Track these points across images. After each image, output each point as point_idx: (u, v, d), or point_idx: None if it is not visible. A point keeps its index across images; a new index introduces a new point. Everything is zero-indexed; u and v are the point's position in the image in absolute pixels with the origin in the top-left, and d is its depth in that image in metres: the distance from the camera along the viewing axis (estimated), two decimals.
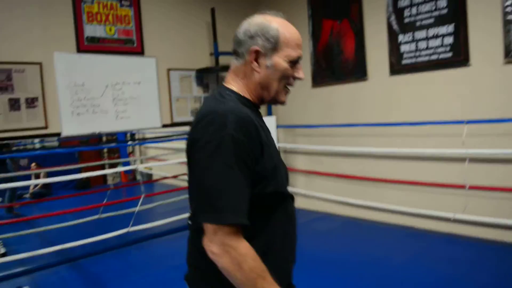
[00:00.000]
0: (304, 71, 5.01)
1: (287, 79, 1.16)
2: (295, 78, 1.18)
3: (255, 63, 1.14)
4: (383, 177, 4.35)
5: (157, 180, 7.75)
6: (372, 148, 4.32)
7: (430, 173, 3.96)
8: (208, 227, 0.99)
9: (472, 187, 3.60)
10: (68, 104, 3.81)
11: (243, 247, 0.99)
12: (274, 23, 1.14)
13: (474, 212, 3.62)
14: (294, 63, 1.15)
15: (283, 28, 1.14)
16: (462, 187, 3.65)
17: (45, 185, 7.42)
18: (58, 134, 3.83)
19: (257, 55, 1.13)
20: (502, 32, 3.41)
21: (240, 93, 1.17)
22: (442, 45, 3.80)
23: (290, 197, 1.21)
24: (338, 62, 4.69)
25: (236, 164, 0.98)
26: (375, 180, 4.41)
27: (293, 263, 1.22)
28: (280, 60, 1.13)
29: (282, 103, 1.20)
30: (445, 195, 3.85)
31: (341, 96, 4.66)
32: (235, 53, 1.18)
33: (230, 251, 0.97)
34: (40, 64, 3.68)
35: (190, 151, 1.07)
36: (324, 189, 4.93)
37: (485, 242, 3.55)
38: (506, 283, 2.81)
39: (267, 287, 0.99)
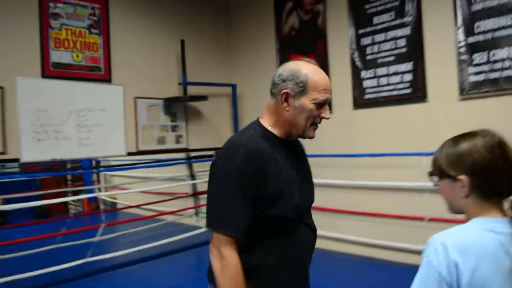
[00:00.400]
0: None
1: (313, 118, 1.32)
2: (321, 118, 1.34)
3: (285, 103, 1.31)
4: (344, 208, 4.40)
5: (120, 209, 7.56)
6: (334, 180, 4.39)
7: (391, 204, 4.04)
8: (214, 235, 1.23)
9: (432, 219, 3.69)
10: (29, 129, 3.71)
11: (232, 258, 1.21)
12: (305, 69, 1.30)
13: None
14: (321, 105, 1.31)
15: (312, 74, 1.30)
16: (422, 219, 3.74)
17: (2, 213, 7.08)
18: (17, 160, 3.71)
19: (287, 96, 1.30)
20: (456, 71, 3.61)
21: (269, 128, 1.36)
22: (401, 82, 3.98)
23: (305, 225, 1.36)
24: None
25: (240, 191, 1.21)
26: (336, 211, 4.46)
27: (296, 285, 1.35)
28: (307, 102, 1.29)
29: (311, 138, 1.37)
30: (406, 226, 3.93)
31: None
32: (271, 93, 1.37)
33: (221, 257, 1.21)
34: (1, 88, 3.60)
35: (210, 172, 1.30)
36: None
37: None
38: None
39: None
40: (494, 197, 1.02)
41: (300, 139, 1.50)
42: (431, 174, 1.11)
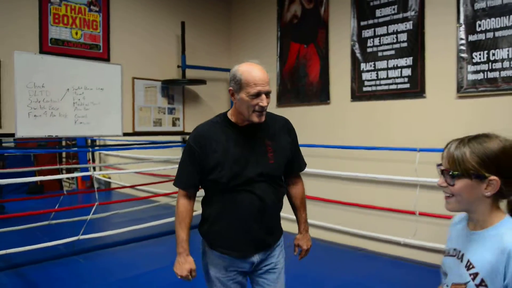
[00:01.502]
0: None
1: (253, 107, 1.68)
2: (259, 106, 1.67)
3: (232, 97, 1.75)
4: (337, 198, 4.44)
5: (114, 188, 7.58)
6: (328, 170, 4.42)
7: (383, 197, 4.08)
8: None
9: (421, 214, 3.74)
10: (25, 104, 3.70)
11: (181, 202, 1.82)
12: (240, 70, 1.70)
13: (422, 238, 3.75)
14: (255, 96, 1.66)
15: (245, 73, 1.68)
16: (412, 213, 3.78)
17: None
18: (12, 135, 3.71)
19: (232, 92, 1.74)
20: (455, 68, 3.61)
21: (228, 115, 1.81)
22: (400, 76, 3.98)
23: (248, 191, 1.72)
24: (303, 85, 4.81)
25: (188, 160, 1.78)
26: (328, 201, 4.50)
27: (238, 238, 1.77)
28: (244, 96, 1.68)
29: (257, 122, 1.71)
30: (397, 219, 3.98)
31: (304, 118, 4.76)
32: None
33: (178, 200, 1.83)
34: None
35: None
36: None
37: (431, 266, 3.67)
38: None
39: (177, 226, 1.82)
40: (506, 196, 1.09)
41: (283, 121, 1.90)
42: (453, 173, 1.10)
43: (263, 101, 1.66)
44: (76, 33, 4.03)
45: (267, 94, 1.69)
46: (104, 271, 3.70)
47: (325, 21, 4.57)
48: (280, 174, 1.86)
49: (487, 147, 1.06)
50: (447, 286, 1.17)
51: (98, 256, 4.13)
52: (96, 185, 4.77)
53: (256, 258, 1.81)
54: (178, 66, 4.89)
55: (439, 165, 1.17)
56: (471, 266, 1.08)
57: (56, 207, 4.49)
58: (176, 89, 4.94)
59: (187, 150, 1.78)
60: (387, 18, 4.05)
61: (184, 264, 1.79)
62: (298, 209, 2.02)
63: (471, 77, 3.54)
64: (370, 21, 4.17)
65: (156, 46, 4.76)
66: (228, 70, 5.31)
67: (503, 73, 3.37)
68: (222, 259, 1.79)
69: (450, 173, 1.10)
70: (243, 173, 1.71)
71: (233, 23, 5.58)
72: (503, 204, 1.11)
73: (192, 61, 4.90)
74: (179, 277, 1.81)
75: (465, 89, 3.57)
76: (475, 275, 1.06)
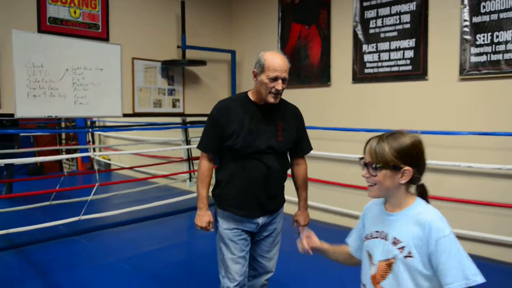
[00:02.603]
0: None
1: (269, 89, 1.97)
2: (275, 89, 1.96)
3: (254, 79, 2.05)
4: (337, 180, 4.45)
5: (114, 169, 7.60)
6: (329, 152, 4.42)
7: None
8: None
9: None
10: (24, 84, 3.67)
11: (203, 164, 2.10)
12: (265, 56, 2.00)
13: None
14: (273, 80, 1.95)
15: (269, 59, 1.97)
16: None
17: None
18: (11, 115, 3.69)
19: (255, 74, 2.04)
20: (458, 50, 3.58)
21: (248, 94, 2.10)
22: (402, 58, 3.95)
23: (257, 160, 2.00)
24: (304, 66, 4.77)
25: (210, 127, 2.07)
26: (331, 183, 4.51)
27: (245, 199, 2.04)
28: (264, 78, 1.97)
29: (271, 103, 2.01)
30: None
31: (305, 100, 4.73)
32: None
33: (200, 162, 2.12)
34: None
35: None
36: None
37: None
38: None
39: (198, 185, 2.10)
40: (415, 182, 1.31)
41: (294, 109, 2.20)
42: (375, 166, 1.28)
43: (278, 85, 1.95)
44: (75, 12, 3.97)
45: (284, 80, 1.97)
46: (105, 251, 3.73)
47: (327, 1, 4.50)
48: (285, 151, 2.14)
49: (402, 142, 1.27)
50: (373, 264, 1.32)
51: (98, 236, 4.16)
52: (96, 167, 4.78)
53: (261, 220, 2.07)
54: (178, 47, 4.84)
55: (361, 158, 1.36)
56: (397, 242, 1.26)
57: (57, 187, 4.50)
58: (176, 70, 4.90)
59: (210, 119, 2.06)
60: None
61: (204, 217, 2.07)
62: (299, 188, 2.26)
63: (474, 59, 3.51)
64: (373, 2, 4.11)
65: (156, 26, 4.69)
66: (228, 51, 5.27)
67: (507, 56, 3.34)
68: (232, 218, 2.06)
69: (373, 165, 1.29)
70: (254, 144, 1.99)
71: (234, 2, 5.50)
72: (412, 188, 1.33)
73: (192, 42, 4.84)
74: (199, 228, 2.08)
75: (467, 72, 3.54)
76: (402, 248, 1.25)
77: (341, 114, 4.42)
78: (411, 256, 1.23)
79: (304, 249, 1.54)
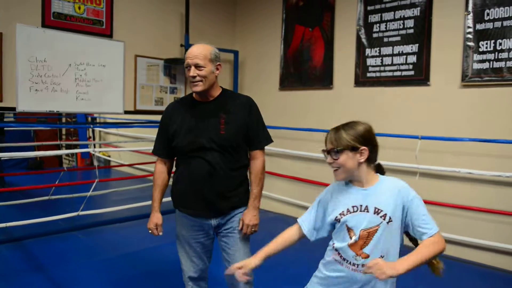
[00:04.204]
0: (273, 74, 5.07)
1: (187, 78, 1.98)
2: (189, 75, 1.94)
3: None
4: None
5: (114, 166, 7.60)
6: None
7: None
8: None
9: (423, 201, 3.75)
10: (26, 78, 3.67)
11: (155, 167, 2.14)
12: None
13: None
14: (187, 68, 1.95)
15: (188, 50, 1.98)
16: None
17: None
18: (13, 109, 3.69)
19: None
20: (461, 56, 3.58)
21: (193, 94, 2.07)
22: (405, 63, 3.95)
23: (200, 158, 1.94)
24: (306, 68, 4.77)
25: (159, 130, 2.11)
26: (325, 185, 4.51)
27: (191, 198, 2.02)
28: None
29: (195, 92, 1.99)
30: None
31: (307, 102, 4.74)
32: None
33: (155, 166, 2.14)
34: (0, 34, 3.53)
35: None
36: (282, 191, 5.00)
37: None
38: None
39: (153, 189, 2.16)
40: (372, 162, 1.52)
41: (244, 99, 2.09)
42: (337, 149, 1.48)
43: (190, 71, 1.92)
44: (79, 8, 3.98)
45: (197, 66, 1.92)
46: (104, 247, 3.74)
47: (332, 4, 4.51)
48: (232, 145, 1.99)
49: (356, 128, 1.49)
50: (354, 235, 1.47)
51: (97, 232, 4.17)
52: (95, 163, 4.78)
53: (214, 222, 2.02)
54: (181, 45, 4.84)
55: (323, 150, 1.54)
56: (379, 211, 1.45)
57: (57, 182, 4.51)
58: (178, 69, 4.90)
59: (160, 122, 2.11)
60: (395, 4, 3.99)
61: (152, 219, 2.12)
62: (251, 184, 2.10)
63: (476, 66, 3.51)
64: (377, 6, 4.12)
65: (160, 24, 4.70)
66: (232, 51, 5.27)
67: (509, 63, 3.35)
68: (185, 218, 2.06)
69: (335, 150, 1.49)
70: (195, 141, 1.95)
71: (238, 3, 5.51)
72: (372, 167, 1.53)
73: (195, 41, 4.82)
74: (148, 229, 2.14)
75: (469, 78, 3.54)
76: (385, 215, 1.45)
77: (343, 117, 4.38)
78: (392, 221, 1.45)
79: (241, 278, 1.53)
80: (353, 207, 1.50)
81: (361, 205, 1.49)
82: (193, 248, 2.07)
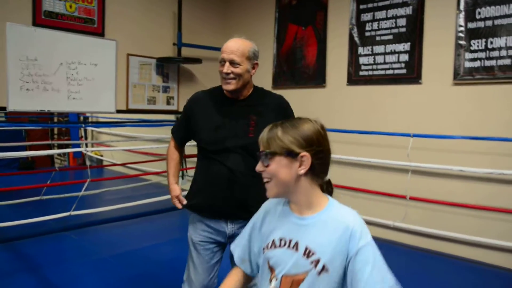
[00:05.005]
0: (266, 72, 5.06)
1: (220, 73, 1.82)
2: (222, 72, 1.79)
3: None
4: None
5: (106, 166, 7.56)
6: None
7: (375, 181, 4.11)
8: None
9: (412, 198, 3.78)
10: (17, 78, 3.63)
11: (169, 145, 2.04)
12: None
13: (412, 222, 3.80)
14: (221, 62, 1.80)
15: (225, 43, 1.84)
16: (403, 197, 3.82)
17: None
18: (3, 108, 3.65)
19: None
20: (453, 55, 3.61)
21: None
22: (397, 61, 3.97)
23: (219, 162, 1.80)
24: (299, 67, 4.77)
25: (182, 116, 1.99)
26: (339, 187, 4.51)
27: (208, 202, 1.85)
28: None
29: (226, 90, 1.82)
30: (388, 203, 4.02)
31: (299, 100, 4.74)
32: None
33: (170, 142, 2.05)
34: None
35: None
36: None
37: (419, 250, 3.73)
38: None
39: (168, 164, 2.03)
40: (320, 177, 1.12)
41: (276, 99, 1.98)
42: (267, 152, 1.11)
43: (224, 68, 1.78)
44: (70, 6, 3.94)
45: (233, 62, 1.77)
46: (96, 247, 3.71)
47: (324, 3, 4.52)
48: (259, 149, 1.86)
49: (300, 126, 1.10)
50: (276, 279, 1.08)
51: (89, 232, 4.14)
52: (88, 163, 4.75)
53: (229, 229, 1.84)
54: (174, 44, 4.82)
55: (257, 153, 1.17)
56: (311, 253, 1.04)
57: (48, 182, 4.47)
58: (171, 67, 4.88)
59: (184, 109, 1.99)
60: (387, 2, 4.01)
61: (171, 192, 2.00)
62: None
63: (468, 64, 3.54)
64: (370, 5, 4.13)
65: (152, 23, 4.67)
66: None
67: (500, 62, 3.38)
68: (198, 221, 1.90)
69: (264, 152, 1.11)
70: (219, 140, 1.80)
71: (231, 1, 5.49)
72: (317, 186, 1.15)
73: (188, 40, 4.83)
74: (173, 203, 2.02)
75: (461, 77, 3.57)
76: (317, 261, 1.03)
77: (335, 116, 4.44)
78: (326, 271, 1.03)
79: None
80: (280, 240, 1.10)
81: (290, 240, 1.08)
82: (201, 257, 1.89)
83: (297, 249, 1.06)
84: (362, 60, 4.21)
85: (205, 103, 1.88)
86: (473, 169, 3.46)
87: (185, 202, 1.95)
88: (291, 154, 1.07)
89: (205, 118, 1.85)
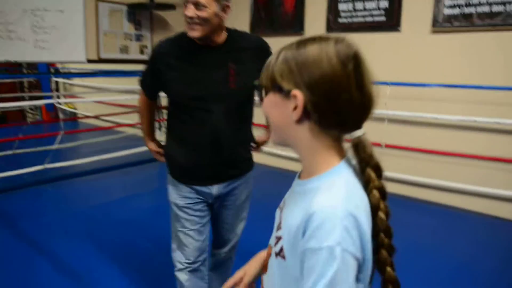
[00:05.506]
0: (243, 19, 4.90)
1: (185, 16, 1.55)
2: (185, 14, 1.53)
3: None
4: None
5: (80, 118, 7.39)
6: None
7: None
8: None
9: (388, 146, 3.84)
10: None
11: (139, 99, 1.85)
12: None
13: (388, 169, 3.88)
14: (185, 4, 1.54)
15: None
16: (379, 145, 3.87)
17: None
18: None
19: None
20: (432, 2, 3.54)
21: None
22: (377, 8, 3.88)
23: (205, 110, 1.59)
24: (277, 14, 4.63)
25: (149, 66, 1.72)
26: None
27: (196, 168, 1.67)
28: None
29: (191, 37, 1.55)
30: None
31: (277, 48, 4.63)
32: None
33: (140, 95, 1.85)
34: None
35: None
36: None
37: (395, 196, 3.83)
38: None
39: (141, 121, 1.90)
40: (335, 128, 0.75)
41: (256, 43, 1.70)
42: (255, 83, 0.83)
43: (187, 10, 1.52)
44: None
45: (196, 4, 1.50)
46: (74, 200, 3.69)
47: None
48: (243, 102, 1.67)
49: (305, 49, 0.74)
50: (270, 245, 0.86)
51: (66, 185, 4.10)
52: (61, 116, 4.61)
53: (216, 189, 1.69)
54: None
55: None
56: (279, 227, 0.80)
57: (20, 135, 4.34)
58: (143, 14, 4.66)
59: (149, 58, 1.73)
60: None
61: (151, 149, 1.92)
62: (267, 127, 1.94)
63: (447, 11, 3.49)
64: None
65: None
66: None
67: (479, 9, 3.34)
68: (181, 185, 1.71)
69: (257, 85, 0.82)
70: (197, 96, 1.59)
71: None
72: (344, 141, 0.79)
73: None
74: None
75: (440, 24, 3.53)
76: (278, 239, 0.78)
77: None
78: (282, 256, 0.76)
79: None
80: (284, 201, 0.87)
81: (284, 204, 0.85)
82: (191, 218, 1.71)
83: (280, 216, 0.83)
84: (341, 6, 4.10)
85: (173, 53, 1.63)
86: (447, 117, 3.51)
87: (163, 159, 1.84)
88: (280, 89, 0.75)
89: (177, 71, 1.61)
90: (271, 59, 0.79)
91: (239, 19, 4.95)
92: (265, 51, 1.67)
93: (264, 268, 0.86)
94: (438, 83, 3.54)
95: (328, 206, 0.67)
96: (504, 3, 3.23)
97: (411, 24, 3.71)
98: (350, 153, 0.77)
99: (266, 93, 0.79)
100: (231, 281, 0.98)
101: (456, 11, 3.45)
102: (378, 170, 0.75)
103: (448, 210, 3.58)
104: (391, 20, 3.80)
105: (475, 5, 3.36)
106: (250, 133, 1.78)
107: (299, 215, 0.71)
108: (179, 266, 1.75)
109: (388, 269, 0.72)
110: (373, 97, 0.76)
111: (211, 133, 1.61)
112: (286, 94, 0.73)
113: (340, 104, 0.72)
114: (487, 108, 3.39)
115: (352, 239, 0.65)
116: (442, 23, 3.52)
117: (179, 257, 1.74)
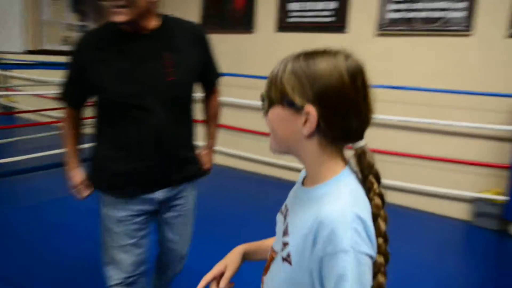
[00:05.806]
0: (193, 15, 4.81)
1: (106, 1, 1.33)
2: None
3: None
4: (250, 128, 4.46)
5: (17, 112, 6.97)
6: (248, 101, 4.39)
7: None
8: None
9: None
10: None
11: (66, 114, 1.58)
12: None
13: None
14: None
15: None
16: None
17: None
18: None
19: None
20: (378, 5, 3.66)
21: None
22: (326, 9, 3.96)
23: (141, 108, 1.40)
24: (228, 11, 4.59)
25: (71, 69, 1.49)
26: (241, 130, 4.52)
27: (135, 178, 1.48)
28: None
29: (115, 22, 1.34)
30: None
31: (228, 46, 4.60)
32: None
33: (65, 112, 1.59)
34: None
35: None
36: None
37: None
38: None
39: (64, 142, 1.61)
40: (343, 140, 0.77)
41: (191, 29, 1.54)
42: (262, 97, 0.82)
43: None
44: None
45: None
46: (9, 198, 3.46)
47: None
48: (185, 95, 1.53)
49: (314, 62, 0.74)
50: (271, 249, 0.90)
51: (4, 183, 3.84)
52: None
53: (160, 195, 1.52)
54: None
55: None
56: (286, 233, 0.81)
57: None
58: (88, 4, 4.45)
59: (72, 58, 1.47)
60: None
61: (74, 177, 1.60)
62: (208, 122, 1.78)
63: (391, 15, 3.62)
64: None
65: None
66: None
67: (421, 14, 3.49)
68: (112, 197, 1.51)
69: (262, 96, 0.81)
70: (134, 94, 1.40)
71: None
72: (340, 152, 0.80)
73: None
74: (72, 192, 1.62)
75: (385, 27, 3.65)
76: (285, 245, 0.80)
77: (262, 63, 4.37)
78: (289, 262, 0.77)
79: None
80: (285, 205, 0.90)
81: (287, 210, 0.87)
82: (127, 234, 1.51)
83: (284, 221, 0.85)
84: (291, 6, 4.14)
85: (97, 45, 1.42)
86: (391, 117, 3.65)
87: (88, 192, 1.60)
88: (292, 105, 0.74)
89: (101, 65, 1.40)
90: (277, 70, 0.79)
91: (189, 14, 4.86)
92: (203, 38, 1.56)
93: (265, 270, 0.90)
94: (382, 85, 3.67)
95: (337, 212, 0.70)
96: (443, 9, 3.40)
97: (358, 26, 3.82)
98: (351, 160, 0.80)
99: (271, 105, 0.78)
100: (209, 275, 0.95)
101: (399, 15, 3.59)
102: (378, 177, 0.79)
103: (425, 215, 3.65)
104: (339, 21, 3.89)
105: (417, 10, 3.51)
106: (193, 130, 1.62)
107: (308, 222, 0.74)
108: (113, 281, 1.55)
109: (379, 276, 0.74)
110: (373, 108, 0.78)
111: (149, 134, 1.43)
112: (298, 109, 0.74)
113: (349, 117, 0.74)
114: (430, 110, 3.56)
115: (363, 239, 0.69)
116: (386, 27, 3.65)
117: (112, 272, 1.54)
